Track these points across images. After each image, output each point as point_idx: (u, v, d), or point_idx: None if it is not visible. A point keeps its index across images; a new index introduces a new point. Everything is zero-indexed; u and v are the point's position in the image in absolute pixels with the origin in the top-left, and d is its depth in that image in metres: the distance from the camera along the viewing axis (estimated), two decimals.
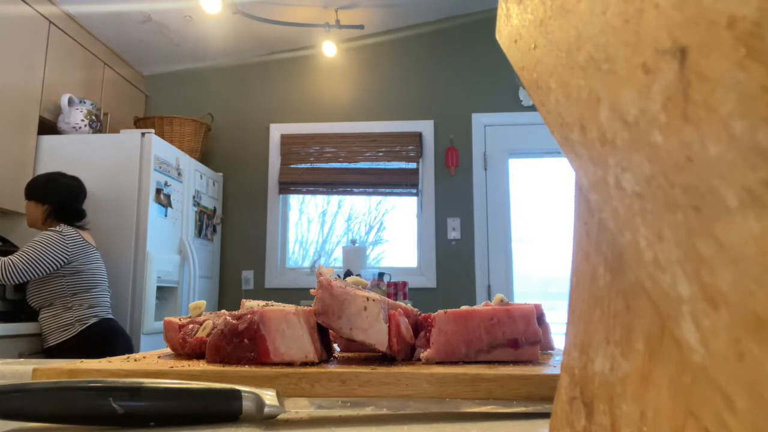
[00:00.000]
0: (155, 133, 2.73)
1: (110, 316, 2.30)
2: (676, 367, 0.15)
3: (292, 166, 3.57)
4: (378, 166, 3.51)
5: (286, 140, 3.60)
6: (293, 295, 3.22)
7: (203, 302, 0.63)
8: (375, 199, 3.66)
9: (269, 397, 0.35)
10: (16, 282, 2.09)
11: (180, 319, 0.59)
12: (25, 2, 2.59)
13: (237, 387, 0.35)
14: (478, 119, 3.53)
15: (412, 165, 3.49)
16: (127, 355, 0.57)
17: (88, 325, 2.17)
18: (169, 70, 3.69)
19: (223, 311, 0.59)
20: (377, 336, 0.48)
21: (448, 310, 0.52)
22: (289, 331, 0.48)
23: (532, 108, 3.43)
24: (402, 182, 3.47)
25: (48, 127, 2.74)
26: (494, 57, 3.49)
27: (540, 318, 0.56)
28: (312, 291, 0.51)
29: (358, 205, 3.68)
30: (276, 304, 0.55)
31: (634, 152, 0.14)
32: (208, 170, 3.38)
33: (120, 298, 2.50)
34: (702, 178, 0.12)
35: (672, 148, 0.13)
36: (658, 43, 0.13)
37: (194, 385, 0.35)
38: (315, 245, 3.68)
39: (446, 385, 0.42)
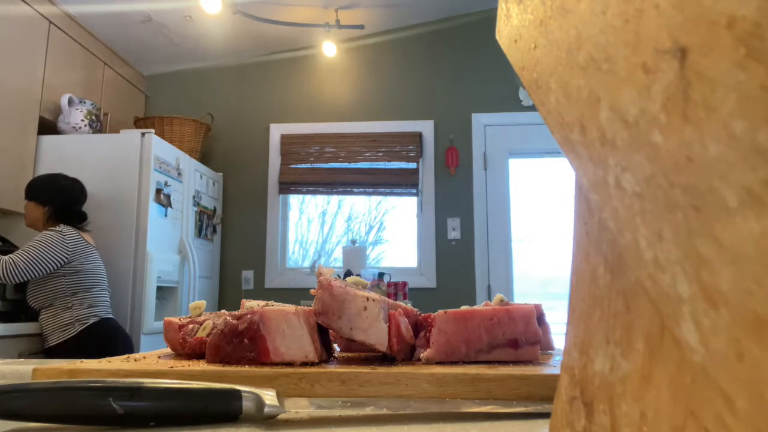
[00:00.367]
0: (155, 133, 2.73)
1: (110, 316, 2.31)
2: (676, 367, 0.15)
3: (292, 166, 3.57)
4: (378, 166, 3.51)
5: (286, 140, 3.60)
6: (293, 295, 3.22)
7: (203, 302, 0.63)
8: (375, 199, 3.66)
9: (269, 397, 0.35)
10: (17, 281, 2.09)
11: (180, 319, 0.59)
12: (25, 2, 2.59)
13: (237, 387, 0.35)
14: (478, 119, 3.53)
15: (412, 165, 3.49)
16: (127, 355, 0.57)
17: (88, 324, 2.18)
18: (169, 70, 3.69)
19: (223, 311, 0.59)
20: (377, 336, 0.48)
21: (448, 310, 0.52)
22: (289, 331, 0.48)
23: (532, 108, 3.43)
24: (402, 182, 3.47)
25: (48, 127, 2.74)
26: (494, 57, 3.49)
27: (540, 318, 0.56)
28: (312, 291, 0.51)
29: (358, 205, 3.68)
30: (276, 304, 0.55)
31: (634, 152, 0.14)
32: (208, 170, 3.38)
33: (120, 298, 2.50)
34: (702, 178, 0.12)
35: (672, 148, 0.13)
36: (658, 43, 0.13)
37: (194, 385, 0.35)
38: (315, 245, 3.68)
39: (446, 385, 0.42)
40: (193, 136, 3.31)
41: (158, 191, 2.71)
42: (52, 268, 2.13)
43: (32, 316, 2.30)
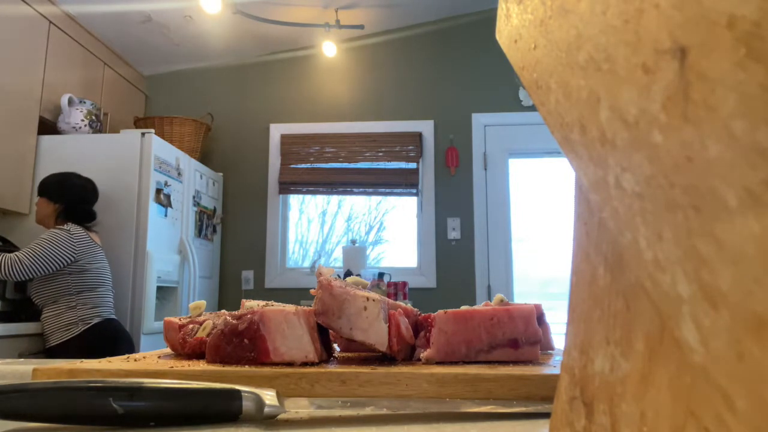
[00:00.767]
0: (155, 133, 2.73)
1: (113, 317, 2.31)
2: (676, 367, 0.15)
3: (292, 166, 3.57)
4: (378, 166, 3.51)
5: (286, 140, 3.60)
6: (293, 295, 3.22)
7: (203, 302, 0.63)
8: (375, 199, 3.66)
9: (269, 397, 0.35)
10: (21, 278, 2.09)
11: (180, 319, 0.59)
12: (25, 2, 2.59)
13: (237, 387, 0.35)
14: (478, 119, 3.53)
15: (412, 165, 3.49)
16: (127, 355, 0.57)
17: (91, 324, 2.18)
18: (169, 70, 3.69)
19: (223, 311, 0.59)
20: (377, 336, 0.48)
21: (448, 310, 0.52)
22: (289, 331, 0.48)
23: (532, 108, 3.43)
24: (402, 182, 3.47)
25: (48, 127, 2.74)
26: (494, 57, 3.49)
27: (540, 318, 0.56)
28: (312, 291, 0.51)
29: (358, 205, 3.68)
30: (276, 304, 0.55)
31: (634, 152, 0.14)
32: (208, 170, 3.38)
33: (120, 298, 2.50)
34: (702, 178, 0.12)
35: (672, 148, 0.13)
36: (658, 43, 0.13)
37: (194, 385, 0.35)
38: (315, 245, 3.68)
39: (446, 385, 0.42)
40: (193, 136, 3.31)
41: (158, 191, 2.71)
42: (57, 267, 2.14)
43: (32, 316, 2.30)
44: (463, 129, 3.53)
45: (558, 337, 0.53)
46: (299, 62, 3.67)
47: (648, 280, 0.14)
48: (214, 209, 3.44)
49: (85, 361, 0.52)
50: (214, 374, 0.43)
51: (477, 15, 3.58)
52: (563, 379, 0.22)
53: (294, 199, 3.69)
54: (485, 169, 3.49)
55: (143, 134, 2.68)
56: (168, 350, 0.62)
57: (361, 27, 3.42)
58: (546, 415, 0.37)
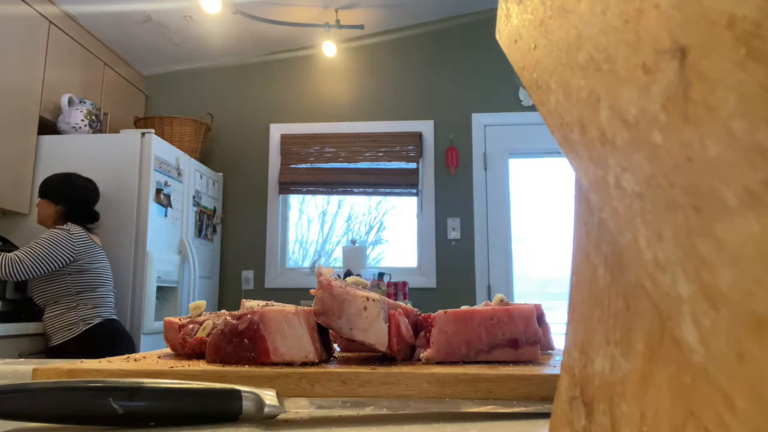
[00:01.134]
0: (155, 133, 2.73)
1: (114, 317, 2.31)
2: (676, 367, 0.15)
3: (292, 166, 3.57)
4: (378, 166, 3.51)
5: (286, 140, 3.60)
6: (293, 295, 3.22)
7: (203, 302, 0.63)
8: (375, 199, 3.66)
9: (269, 397, 0.35)
10: (21, 278, 2.10)
11: (180, 319, 0.59)
12: (25, 2, 2.59)
13: (237, 387, 0.35)
14: (478, 119, 3.53)
15: (412, 165, 3.49)
16: (127, 355, 0.57)
17: (92, 325, 2.18)
18: (169, 70, 3.69)
19: (223, 311, 0.59)
20: (377, 336, 0.48)
21: (448, 310, 0.52)
22: (289, 331, 0.48)
23: (532, 108, 3.43)
24: (402, 182, 3.47)
25: (48, 127, 2.74)
26: (494, 57, 3.49)
27: (540, 318, 0.56)
28: (312, 291, 0.51)
29: (358, 205, 3.68)
30: (276, 304, 0.55)
31: (634, 152, 0.14)
32: (208, 170, 3.38)
33: (120, 298, 2.50)
34: (702, 178, 0.12)
35: (672, 148, 0.13)
36: (658, 43, 0.13)
37: (194, 385, 0.35)
38: (315, 245, 3.68)
39: (446, 385, 0.42)
40: (193, 136, 3.30)
41: (158, 191, 2.71)
42: (56, 266, 2.14)
43: (32, 316, 2.30)
44: (463, 129, 3.53)
45: (558, 337, 0.53)
46: (299, 62, 3.67)
47: (648, 280, 0.14)
48: (214, 209, 3.44)
49: (85, 361, 0.52)
50: (214, 374, 0.43)
51: (477, 15, 3.58)
52: (563, 379, 0.22)
53: (294, 199, 3.69)
54: (485, 169, 3.49)
55: (143, 134, 2.68)
56: (168, 350, 0.62)
57: (361, 27, 3.42)
58: (546, 415, 0.37)
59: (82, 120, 2.76)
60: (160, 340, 2.58)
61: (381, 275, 3.10)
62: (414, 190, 3.48)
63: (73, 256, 2.17)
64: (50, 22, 2.75)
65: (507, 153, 3.51)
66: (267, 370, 0.44)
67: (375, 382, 0.43)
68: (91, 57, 3.12)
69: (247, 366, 0.46)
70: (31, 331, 2.17)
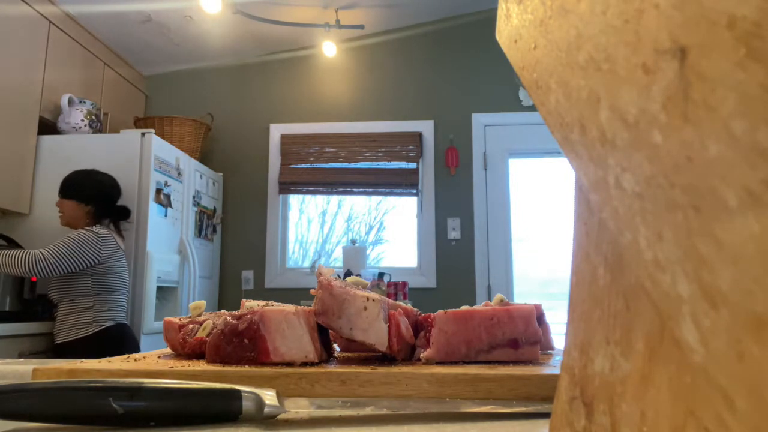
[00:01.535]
0: (155, 133, 2.73)
1: (125, 322, 2.33)
2: (676, 367, 0.15)
3: (292, 166, 3.57)
4: (378, 166, 3.51)
5: (286, 140, 3.60)
6: (293, 295, 3.22)
7: (203, 302, 0.63)
8: (375, 199, 3.66)
9: (269, 397, 0.35)
10: (42, 275, 2.09)
11: (180, 319, 0.59)
12: (25, 2, 2.59)
13: (237, 387, 0.35)
14: (478, 119, 3.53)
15: (412, 165, 3.49)
16: (127, 355, 0.57)
17: (104, 327, 2.19)
18: (169, 70, 3.69)
19: (223, 311, 0.59)
20: (377, 336, 0.48)
21: (448, 310, 0.52)
22: (289, 331, 0.48)
23: (532, 108, 3.43)
24: (402, 182, 3.47)
25: (48, 127, 2.74)
26: (494, 57, 3.49)
27: (540, 318, 0.56)
28: (312, 291, 0.51)
29: (358, 205, 3.68)
30: (276, 304, 0.55)
31: (634, 152, 0.14)
32: (208, 170, 3.38)
33: None
34: (702, 178, 0.12)
35: (672, 148, 0.13)
36: (658, 43, 0.13)
37: (194, 385, 0.35)
38: (315, 245, 3.68)
39: (446, 385, 0.42)
40: (193, 136, 3.30)
41: (158, 191, 2.71)
42: (79, 268, 2.15)
43: (32, 316, 2.30)
44: (463, 129, 3.53)
45: (558, 337, 0.53)
46: (299, 62, 3.67)
47: (648, 280, 0.14)
48: (214, 209, 3.44)
49: (85, 361, 0.52)
50: (214, 374, 0.43)
51: (477, 15, 3.58)
52: (563, 379, 0.22)
53: (294, 199, 3.69)
54: (485, 169, 3.49)
55: (143, 134, 2.68)
56: (168, 350, 0.62)
57: (361, 27, 3.42)
58: (546, 415, 0.37)
59: (82, 120, 2.76)
60: (160, 340, 2.58)
61: (381, 275, 3.10)
62: (414, 190, 3.48)
63: (98, 259, 2.19)
64: (50, 22, 2.75)
65: (507, 153, 3.51)
66: (267, 370, 0.44)
67: (375, 382, 0.43)
68: (91, 57, 3.12)
69: (247, 366, 0.46)
70: (32, 331, 2.17)
